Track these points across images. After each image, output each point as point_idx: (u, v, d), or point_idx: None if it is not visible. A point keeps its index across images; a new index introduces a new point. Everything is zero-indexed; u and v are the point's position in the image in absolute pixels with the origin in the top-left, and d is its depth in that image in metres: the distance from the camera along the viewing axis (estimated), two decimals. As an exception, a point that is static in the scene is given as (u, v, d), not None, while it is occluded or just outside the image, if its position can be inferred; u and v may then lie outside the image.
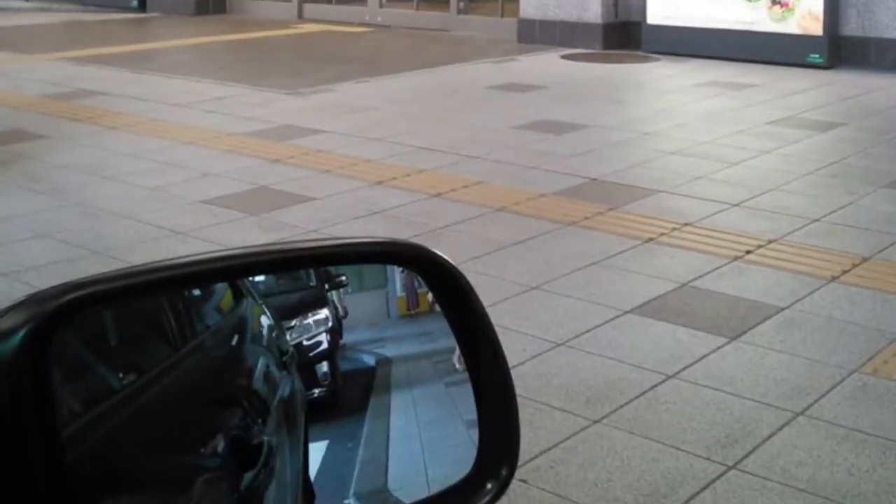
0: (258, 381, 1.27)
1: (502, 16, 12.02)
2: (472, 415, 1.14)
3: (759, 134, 6.54)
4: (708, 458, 2.77)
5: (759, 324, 3.60)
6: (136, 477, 1.03)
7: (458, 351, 1.18)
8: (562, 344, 3.46)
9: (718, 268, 4.12)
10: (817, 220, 4.75)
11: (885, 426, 2.94)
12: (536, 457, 2.78)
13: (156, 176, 5.50)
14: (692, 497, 2.61)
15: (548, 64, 9.70)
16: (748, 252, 4.30)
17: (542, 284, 3.96)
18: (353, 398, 1.32)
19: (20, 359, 0.88)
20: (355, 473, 1.27)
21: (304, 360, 1.32)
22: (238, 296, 1.26)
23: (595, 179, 5.44)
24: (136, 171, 5.61)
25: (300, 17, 14.11)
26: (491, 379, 1.15)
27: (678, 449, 2.82)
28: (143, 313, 1.12)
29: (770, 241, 4.43)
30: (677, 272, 4.08)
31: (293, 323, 1.33)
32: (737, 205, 4.97)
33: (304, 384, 1.30)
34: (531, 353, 3.39)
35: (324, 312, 1.32)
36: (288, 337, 1.33)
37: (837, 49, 9.48)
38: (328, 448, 1.29)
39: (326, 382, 1.32)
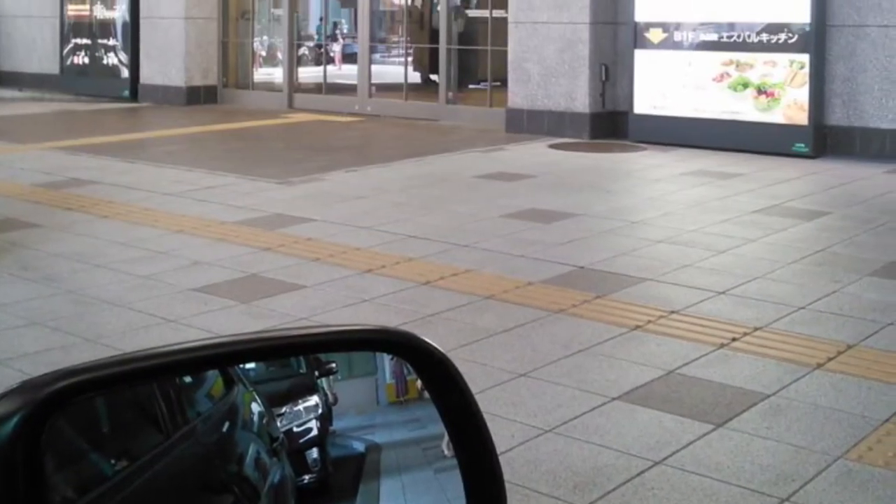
0: (249, 468, 1.28)
1: (491, 105, 12.14)
2: (462, 501, 1.16)
3: (745, 222, 6.60)
4: (695, 546, 2.78)
5: (744, 411, 3.62)
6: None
7: (447, 437, 1.20)
8: (550, 430, 3.47)
9: (705, 355, 4.15)
10: (803, 307, 4.79)
11: (871, 513, 2.95)
12: (525, 544, 2.78)
13: (147, 264, 5.53)
14: (680, 584, 2.61)
15: (536, 153, 9.79)
16: (734, 339, 4.33)
17: (531, 371, 3.98)
18: (343, 485, 1.32)
19: (13, 445, 0.90)
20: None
21: (294, 446, 1.31)
22: (229, 383, 1.27)
23: (583, 267, 5.48)
24: (128, 259, 5.64)
25: (290, 106, 14.23)
26: (479, 465, 1.16)
27: (666, 536, 2.82)
28: (135, 400, 1.14)
29: (756, 329, 4.46)
30: (664, 359, 4.10)
31: (283, 410, 1.32)
32: (723, 293, 5.01)
33: (294, 471, 1.30)
34: (519, 440, 3.40)
35: (314, 399, 1.32)
36: (278, 423, 1.32)
37: (823, 138, 9.60)
38: (319, 534, 1.30)
39: (316, 469, 1.32)
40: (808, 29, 9.42)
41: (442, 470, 1.24)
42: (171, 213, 6.91)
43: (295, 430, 1.32)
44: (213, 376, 1.25)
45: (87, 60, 16.04)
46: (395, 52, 15.46)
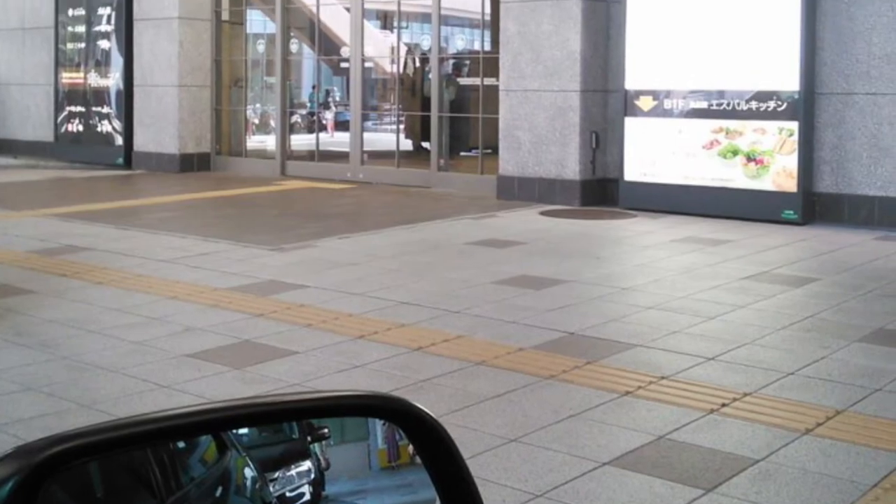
0: (242, 532, 1.29)
1: (482, 173, 12.22)
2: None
3: (735, 289, 6.65)
4: None
5: (734, 476, 3.64)
6: None
7: (438, 502, 1.22)
8: (541, 495, 3.49)
9: (695, 420, 4.17)
10: (791, 373, 4.82)
11: (859, 578, 2.97)
12: None
13: (141, 330, 5.56)
14: None
15: (527, 220, 9.85)
16: (724, 405, 4.35)
17: (521, 437, 4.00)
18: (336, 549, 1.33)
19: (8, 510, 0.92)
20: None
21: (287, 511, 1.32)
22: (222, 448, 1.28)
23: (573, 334, 5.51)
24: (122, 325, 5.67)
25: (283, 173, 14.31)
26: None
27: None
28: (129, 465, 1.15)
29: (745, 395, 4.49)
30: (654, 425, 4.13)
31: (276, 475, 1.32)
32: (712, 358, 5.04)
33: (287, 535, 1.30)
34: (510, 506, 3.41)
35: (306, 464, 1.33)
36: (271, 488, 1.32)
37: (811, 205, 9.67)
38: None
39: (309, 534, 1.32)
40: (797, 97, 9.52)
41: (434, 534, 1.24)
42: (164, 279, 6.95)
43: (288, 494, 1.33)
44: (207, 441, 1.26)
45: (81, 128, 16.14)
46: (387, 119, 15.60)
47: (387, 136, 14.69)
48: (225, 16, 15.28)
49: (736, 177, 9.87)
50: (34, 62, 17.54)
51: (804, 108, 9.55)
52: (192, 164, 14.84)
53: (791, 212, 9.53)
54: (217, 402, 1.15)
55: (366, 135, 14.07)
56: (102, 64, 15.76)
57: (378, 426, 1.32)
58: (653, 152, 10.44)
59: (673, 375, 4.77)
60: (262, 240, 8.55)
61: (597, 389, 4.57)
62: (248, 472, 1.33)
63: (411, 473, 1.27)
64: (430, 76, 12.99)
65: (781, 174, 9.61)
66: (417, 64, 14.86)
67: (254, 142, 15.85)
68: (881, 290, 6.65)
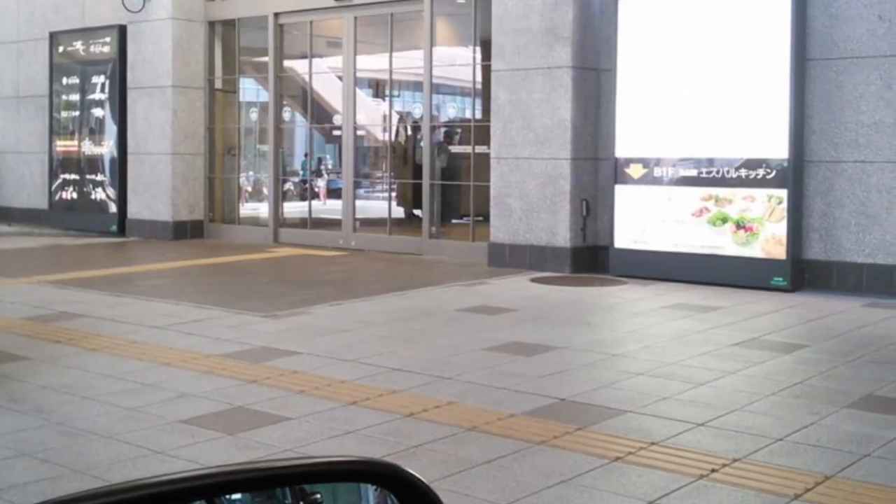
0: None
1: (473, 240, 12.28)
2: None
3: (725, 355, 6.69)
4: None
5: (723, 541, 3.67)
6: None
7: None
8: (531, 562, 3.51)
9: (684, 486, 4.20)
10: (781, 439, 4.85)
11: None
12: None
13: (134, 396, 5.58)
14: None
15: (518, 287, 9.90)
16: (713, 471, 4.38)
17: (513, 502, 4.02)
18: None
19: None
20: None
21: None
22: None
23: (564, 400, 5.55)
24: (116, 391, 5.69)
25: (276, 241, 14.38)
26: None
27: None
28: None
29: (735, 460, 4.52)
30: (644, 490, 4.15)
31: None
32: (702, 424, 5.07)
33: None
34: (501, 572, 3.43)
35: None
36: None
37: (801, 272, 9.74)
38: None
39: None
40: (786, 164, 9.63)
41: None
42: (158, 345, 6.98)
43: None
44: (200, 507, 1.28)
45: (75, 195, 16.23)
46: (379, 187, 15.66)
47: (379, 204, 14.76)
48: (218, 84, 15.42)
49: (725, 244, 9.95)
50: (29, 130, 17.67)
51: (793, 176, 9.64)
52: (185, 231, 14.91)
53: (780, 279, 9.60)
54: (210, 468, 1.18)
55: (358, 202, 14.16)
56: (96, 132, 15.87)
57: (370, 492, 1.34)
58: (643, 219, 10.52)
59: (663, 441, 4.80)
60: (254, 307, 8.60)
61: (587, 455, 4.60)
62: (242, 537, 1.35)
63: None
64: (422, 144, 13.09)
65: (771, 241, 9.69)
66: (409, 132, 14.98)
67: (247, 209, 15.94)
68: (870, 357, 6.70)
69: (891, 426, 5.07)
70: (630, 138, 10.64)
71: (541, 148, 11.15)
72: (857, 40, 9.57)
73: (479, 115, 12.70)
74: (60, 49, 16.62)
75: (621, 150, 10.69)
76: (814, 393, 5.73)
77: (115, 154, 15.51)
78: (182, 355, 6.66)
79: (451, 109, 15.01)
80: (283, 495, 1.34)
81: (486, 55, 12.14)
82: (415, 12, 13.11)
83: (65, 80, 16.51)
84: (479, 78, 12.67)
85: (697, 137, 10.20)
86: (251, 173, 16.27)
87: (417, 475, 1.22)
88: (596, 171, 11.27)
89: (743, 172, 9.86)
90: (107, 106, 15.72)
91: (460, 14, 13.15)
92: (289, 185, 16.77)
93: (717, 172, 10.03)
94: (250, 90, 16.10)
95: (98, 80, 15.86)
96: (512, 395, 5.63)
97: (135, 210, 15.27)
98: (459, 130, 13.80)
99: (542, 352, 6.78)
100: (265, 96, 15.08)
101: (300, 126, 16.02)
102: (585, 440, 4.84)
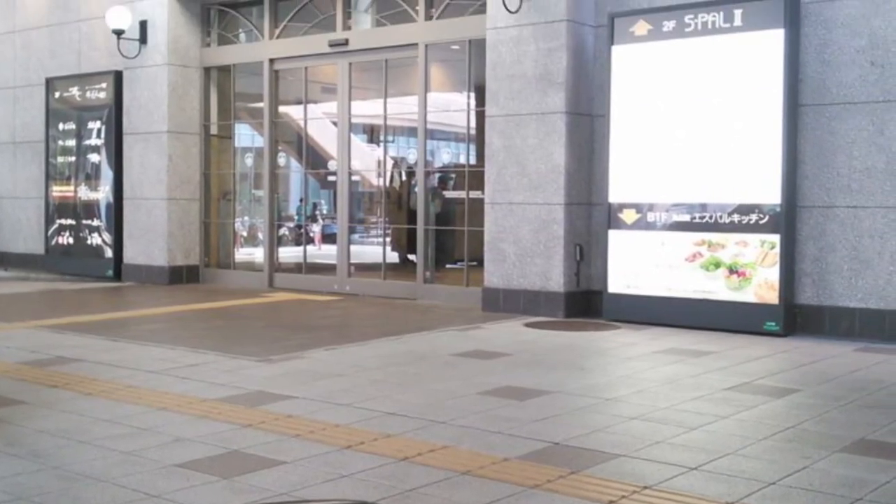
0: None
1: (467, 285, 12.33)
2: None
3: (717, 399, 6.72)
4: None
5: (716, 584, 3.69)
6: None
7: None
8: None
9: (677, 529, 4.23)
10: (773, 483, 4.87)
11: None
12: None
13: (130, 440, 5.60)
14: None
15: (512, 331, 9.94)
16: (706, 514, 4.41)
17: (507, 546, 4.04)
18: None
19: None
20: None
21: None
22: None
23: (558, 444, 5.57)
24: (112, 435, 5.71)
25: (271, 285, 14.43)
26: None
27: None
28: None
29: (727, 504, 4.55)
30: (637, 534, 4.18)
31: None
32: (695, 468, 5.09)
33: None
34: None
35: None
36: None
37: (793, 317, 9.79)
38: None
39: None
40: (778, 210, 9.69)
41: None
42: (154, 390, 7.01)
43: None
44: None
45: (71, 240, 16.28)
46: (373, 232, 15.73)
47: (373, 249, 14.82)
48: (213, 130, 15.52)
49: (718, 289, 10.00)
50: (25, 175, 17.75)
51: (786, 221, 9.71)
52: (181, 276, 14.97)
53: (773, 323, 9.65)
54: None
55: (352, 247, 14.21)
56: (92, 177, 15.95)
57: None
58: (636, 264, 10.58)
59: (656, 485, 4.82)
60: (250, 351, 8.63)
61: (581, 499, 4.61)
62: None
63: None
64: (417, 189, 13.16)
65: (763, 286, 9.74)
66: (404, 177, 15.06)
67: (242, 254, 15.99)
68: (862, 401, 6.73)
69: (883, 470, 5.09)
70: (623, 184, 10.72)
71: (535, 193, 11.21)
72: (849, 86, 9.67)
73: (473, 161, 12.78)
74: (57, 94, 16.72)
75: (615, 196, 10.76)
76: (806, 437, 5.76)
77: (111, 199, 15.58)
78: (178, 400, 6.68)
79: (446, 155, 15.09)
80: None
81: (481, 101, 12.24)
82: (409, 58, 13.23)
83: (61, 126, 16.60)
84: (473, 123, 12.76)
85: (690, 183, 10.28)
86: (246, 218, 16.33)
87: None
88: (589, 216, 11.34)
89: (736, 218, 9.93)
90: (103, 151, 15.80)
91: (454, 60, 13.26)
92: (284, 231, 16.83)
93: (710, 218, 10.10)
94: (245, 135, 16.19)
95: (94, 125, 15.95)
96: (506, 439, 5.65)
97: (131, 255, 15.32)
98: (454, 176, 13.88)
99: (535, 396, 6.81)
100: (260, 142, 15.16)
101: (295, 171, 16.11)
102: (579, 484, 4.86)
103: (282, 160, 15.03)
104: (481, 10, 12.18)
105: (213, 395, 6.82)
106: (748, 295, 9.84)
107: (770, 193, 9.76)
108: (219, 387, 7.12)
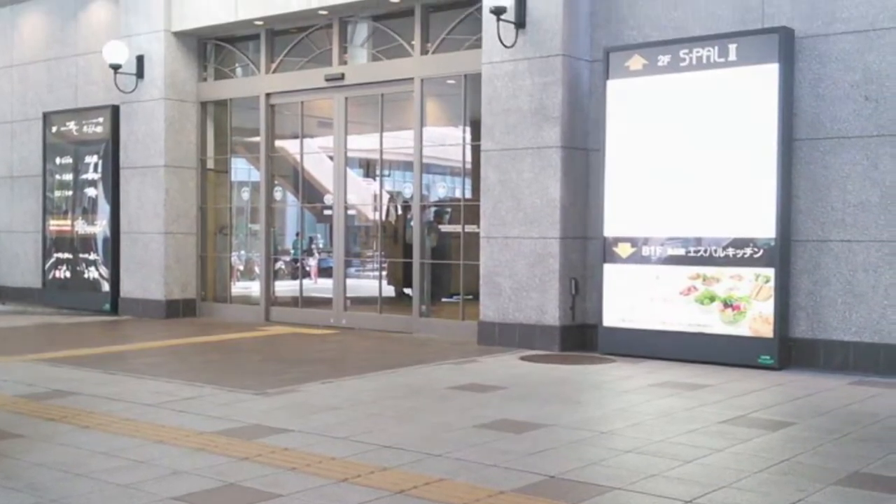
0: None
1: (463, 318, 12.36)
2: None
3: (712, 433, 6.75)
4: None
5: None
6: None
7: None
8: None
9: (672, 562, 4.25)
10: (767, 515, 4.90)
11: None
12: None
13: (127, 473, 5.62)
14: None
15: (507, 365, 9.96)
16: (700, 546, 4.43)
17: (502, 578, 4.06)
18: None
19: None
20: None
21: None
22: None
23: (553, 477, 5.59)
24: (109, 468, 5.73)
25: (267, 319, 14.45)
26: None
27: None
28: None
29: (721, 536, 4.57)
30: (632, 566, 4.20)
31: None
32: (690, 501, 5.11)
33: None
34: None
35: None
36: None
37: (788, 351, 9.82)
38: None
39: None
40: (773, 244, 9.75)
41: None
42: (151, 423, 7.02)
43: None
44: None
45: (68, 274, 16.31)
46: (369, 266, 15.75)
47: (369, 283, 14.84)
48: (210, 164, 15.58)
49: (713, 322, 10.04)
50: (23, 209, 17.81)
51: (780, 255, 9.76)
52: (177, 309, 14.99)
53: (767, 357, 9.68)
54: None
55: (349, 281, 14.24)
56: (89, 211, 16.00)
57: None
58: (631, 298, 10.62)
59: (651, 517, 4.85)
60: (246, 384, 8.65)
61: (576, 531, 4.64)
62: None
63: None
64: (412, 223, 13.21)
65: (758, 320, 9.78)
66: (399, 211, 15.11)
67: (238, 288, 16.03)
68: (856, 434, 6.76)
69: (877, 503, 5.12)
70: (618, 217, 10.77)
71: (530, 227, 11.26)
72: (843, 120, 9.73)
73: (468, 195, 12.83)
74: (54, 129, 16.79)
75: (610, 230, 10.82)
76: (801, 470, 5.78)
77: (108, 233, 15.63)
78: (175, 432, 6.70)
79: (441, 189, 15.15)
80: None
81: (476, 135, 12.29)
82: (405, 93, 13.30)
83: (58, 160, 16.66)
84: (468, 157, 12.82)
85: (685, 217, 10.33)
86: (243, 252, 16.37)
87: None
88: (585, 250, 11.39)
89: (730, 251, 9.98)
90: (100, 185, 15.85)
91: (450, 95, 13.34)
92: (280, 264, 16.88)
93: (705, 251, 10.14)
94: (242, 170, 16.25)
95: (91, 159, 16.01)
96: (502, 472, 5.67)
97: (128, 289, 15.35)
98: (449, 210, 13.94)
99: (531, 429, 6.83)
100: (257, 176, 15.22)
101: (291, 205, 16.16)
102: (574, 516, 4.88)
103: (278, 194, 15.09)
104: (477, 44, 12.26)
105: (209, 428, 6.84)
106: (743, 328, 9.88)
107: (764, 227, 9.81)
108: (215, 420, 7.14)
